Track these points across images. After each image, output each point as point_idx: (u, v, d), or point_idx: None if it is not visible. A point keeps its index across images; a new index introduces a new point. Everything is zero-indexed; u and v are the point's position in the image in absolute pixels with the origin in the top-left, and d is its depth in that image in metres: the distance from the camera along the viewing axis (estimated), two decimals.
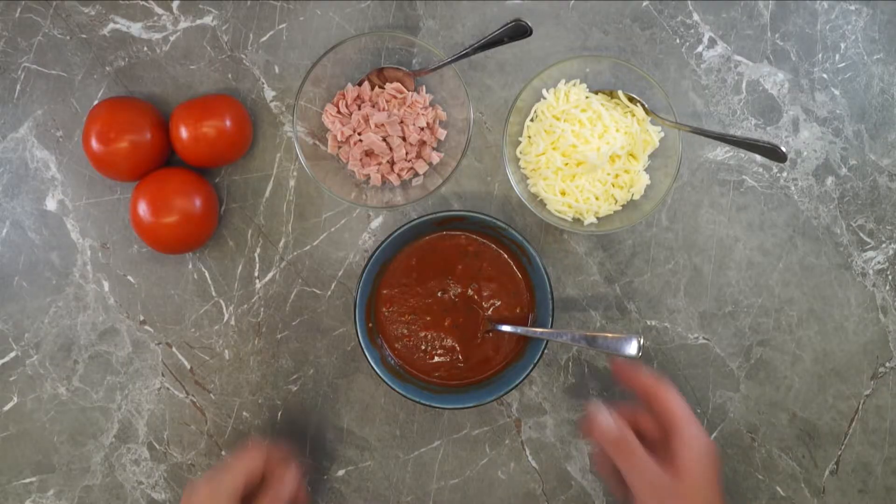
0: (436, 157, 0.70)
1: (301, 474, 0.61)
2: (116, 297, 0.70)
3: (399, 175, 0.69)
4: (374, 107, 0.68)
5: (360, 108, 0.68)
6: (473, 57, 0.69)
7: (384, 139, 0.68)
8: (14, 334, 0.70)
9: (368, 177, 0.69)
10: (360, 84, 0.69)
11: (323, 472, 0.70)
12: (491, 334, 0.67)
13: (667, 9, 0.72)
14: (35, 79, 0.71)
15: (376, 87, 0.69)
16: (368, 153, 0.69)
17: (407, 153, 0.68)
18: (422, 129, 0.68)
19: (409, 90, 0.69)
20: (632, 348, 0.59)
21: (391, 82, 0.69)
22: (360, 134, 0.68)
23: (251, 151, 0.71)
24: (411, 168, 0.69)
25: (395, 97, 0.68)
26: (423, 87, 0.70)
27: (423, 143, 0.69)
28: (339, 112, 0.69)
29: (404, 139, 0.68)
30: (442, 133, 0.69)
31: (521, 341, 0.67)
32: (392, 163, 0.69)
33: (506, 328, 0.66)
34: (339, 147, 0.70)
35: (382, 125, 0.67)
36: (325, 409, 0.70)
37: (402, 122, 0.68)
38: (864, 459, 0.70)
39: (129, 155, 0.65)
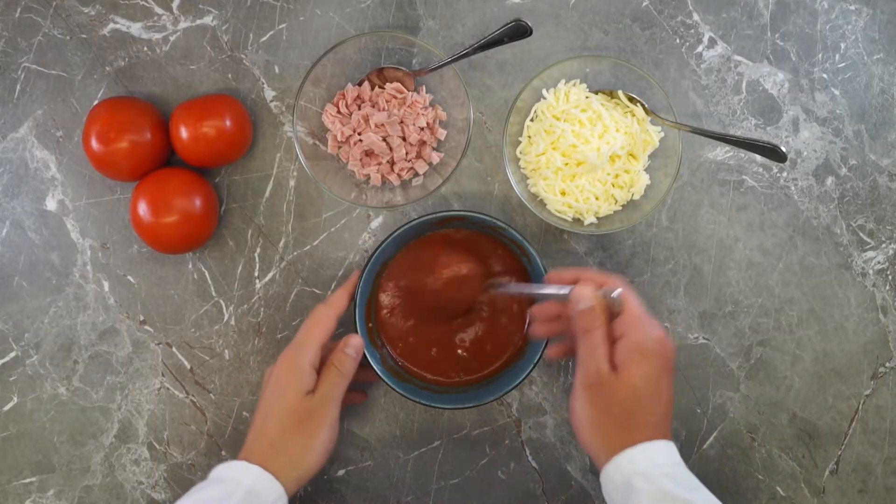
0: (436, 157, 0.70)
1: (361, 345, 0.62)
2: (116, 297, 0.70)
3: (399, 175, 0.69)
4: (374, 107, 0.68)
5: (360, 108, 0.68)
6: (473, 57, 0.69)
7: (384, 139, 0.68)
8: (14, 334, 0.70)
9: (368, 177, 0.69)
10: (359, 84, 0.69)
11: (323, 472, 0.70)
12: (494, 290, 0.66)
13: (667, 9, 0.72)
14: (35, 79, 0.71)
15: (376, 87, 0.69)
16: (368, 153, 0.69)
17: (407, 153, 0.68)
18: (422, 129, 0.68)
19: (409, 90, 0.69)
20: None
21: (391, 82, 0.69)
22: (360, 134, 0.68)
23: (251, 151, 0.71)
24: (411, 168, 0.69)
25: (395, 97, 0.68)
26: (423, 87, 0.70)
27: (423, 143, 0.69)
28: (338, 112, 0.69)
29: (404, 139, 0.68)
30: (442, 133, 0.69)
31: (521, 341, 0.67)
32: (392, 163, 0.69)
33: (513, 288, 0.65)
34: (339, 147, 0.70)
35: (382, 125, 0.67)
36: None
37: (402, 122, 0.68)
38: (864, 459, 0.70)
39: (129, 155, 0.65)
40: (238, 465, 0.58)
